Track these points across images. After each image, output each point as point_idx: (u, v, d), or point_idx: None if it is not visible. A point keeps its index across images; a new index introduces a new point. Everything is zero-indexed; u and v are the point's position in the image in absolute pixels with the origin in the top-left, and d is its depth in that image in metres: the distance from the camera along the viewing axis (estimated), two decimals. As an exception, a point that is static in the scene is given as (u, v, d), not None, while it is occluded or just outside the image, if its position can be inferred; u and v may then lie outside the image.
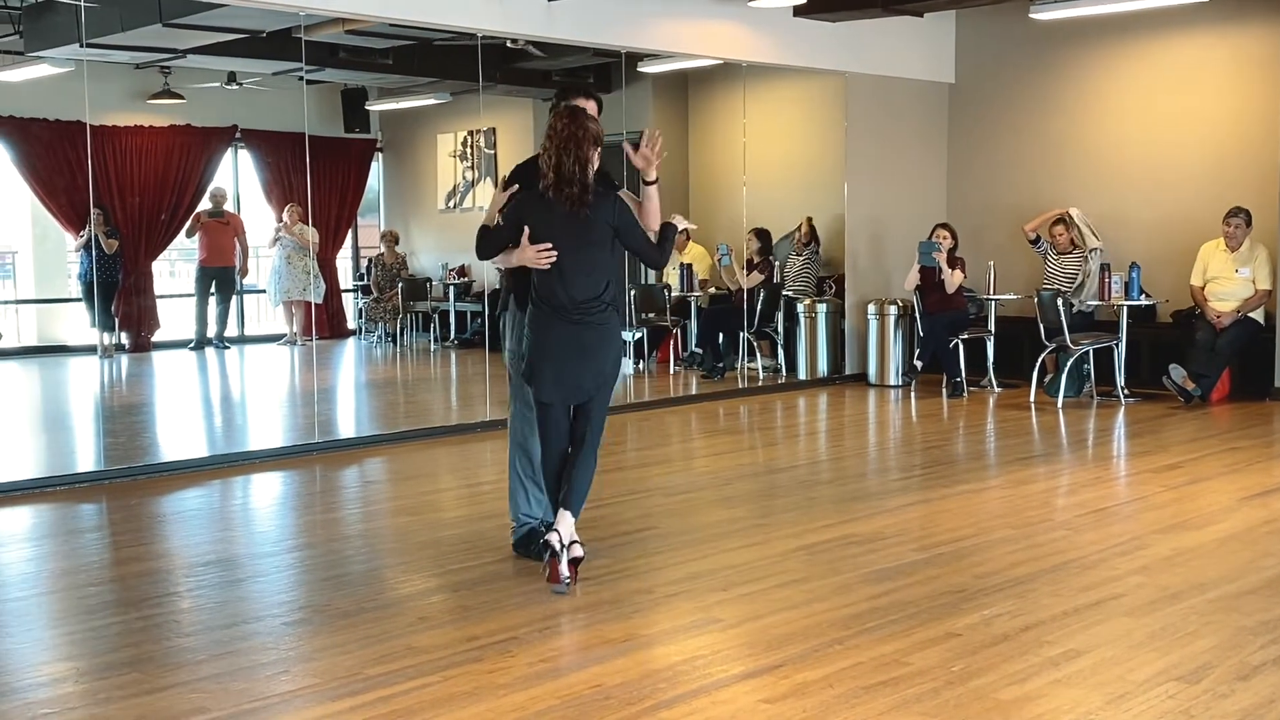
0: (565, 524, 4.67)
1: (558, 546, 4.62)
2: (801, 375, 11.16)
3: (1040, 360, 9.72)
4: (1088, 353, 9.59)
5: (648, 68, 11.33)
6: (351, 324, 14.15)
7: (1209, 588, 4.67)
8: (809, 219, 11.46)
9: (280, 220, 12.64)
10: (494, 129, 13.33)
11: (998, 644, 4.04)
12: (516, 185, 4.82)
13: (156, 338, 12.31)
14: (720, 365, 11.25)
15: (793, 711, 3.50)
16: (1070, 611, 4.39)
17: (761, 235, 11.22)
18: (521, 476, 5.13)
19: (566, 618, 4.40)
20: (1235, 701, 3.54)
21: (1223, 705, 3.51)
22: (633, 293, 11.46)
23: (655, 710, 3.52)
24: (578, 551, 4.72)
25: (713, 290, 11.90)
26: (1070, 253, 10.15)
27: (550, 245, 4.68)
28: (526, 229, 4.72)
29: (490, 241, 4.83)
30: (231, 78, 11.82)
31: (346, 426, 9.18)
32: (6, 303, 11.64)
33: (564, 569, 4.63)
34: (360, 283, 14.14)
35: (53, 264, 11.89)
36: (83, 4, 7.47)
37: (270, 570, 5.26)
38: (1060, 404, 9.42)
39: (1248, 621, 4.26)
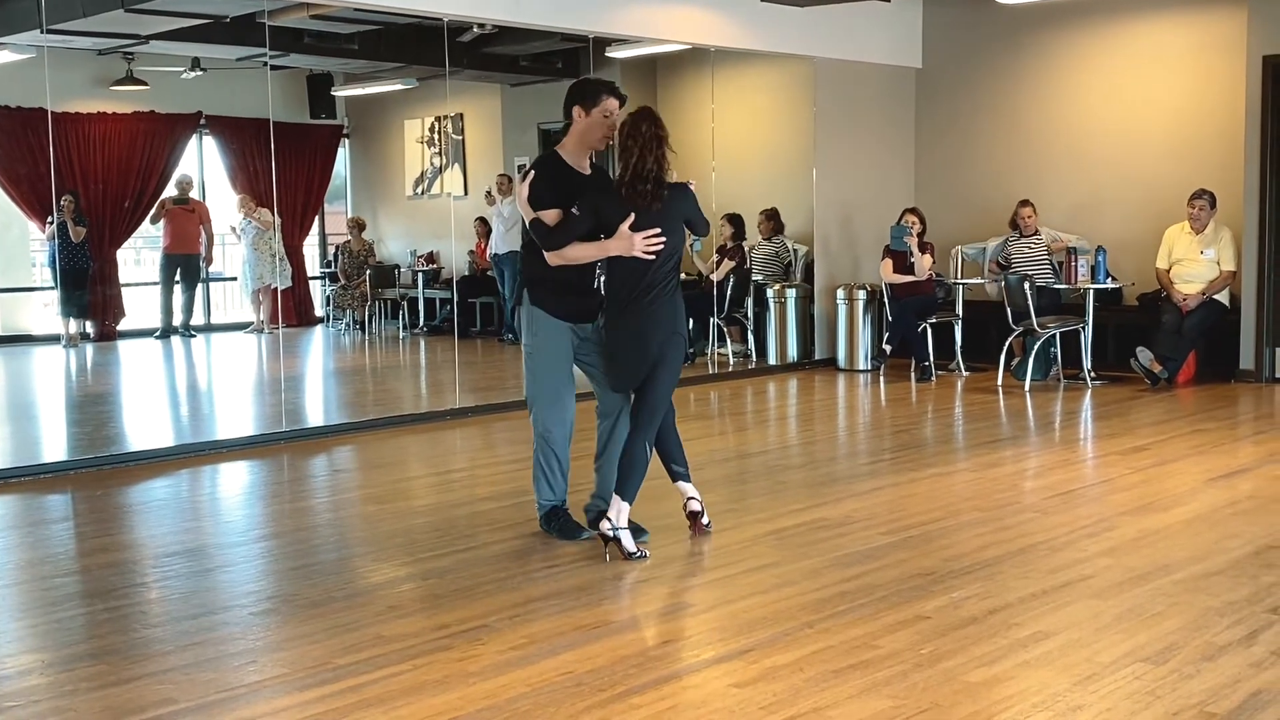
0: (614, 508, 4.86)
1: (609, 533, 4.83)
2: (771, 360, 11.18)
3: (1008, 344, 9.77)
4: (1055, 336, 9.64)
5: (616, 53, 11.28)
6: (319, 312, 14.06)
7: (1175, 569, 4.71)
8: (764, 215, 11.43)
9: (239, 212, 12.56)
10: (461, 114, 13.26)
11: (966, 626, 4.06)
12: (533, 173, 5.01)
13: (122, 326, 12.20)
14: (690, 351, 11.23)
15: (763, 695, 3.51)
16: (1038, 594, 4.42)
17: (734, 221, 11.21)
18: (544, 466, 5.25)
19: (537, 605, 4.39)
20: (1201, 681, 3.57)
21: (1189, 686, 3.54)
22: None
23: (626, 696, 3.52)
24: (695, 506, 5.21)
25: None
26: (1037, 233, 10.18)
27: (659, 231, 4.84)
28: (632, 218, 4.84)
29: (567, 230, 4.93)
30: (196, 63, 11.70)
31: (315, 415, 9.13)
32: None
33: (628, 547, 4.82)
34: (327, 270, 14.05)
35: (16, 253, 11.76)
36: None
37: (238, 560, 5.23)
38: (1028, 387, 9.47)
39: (1214, 602, 4.29)
